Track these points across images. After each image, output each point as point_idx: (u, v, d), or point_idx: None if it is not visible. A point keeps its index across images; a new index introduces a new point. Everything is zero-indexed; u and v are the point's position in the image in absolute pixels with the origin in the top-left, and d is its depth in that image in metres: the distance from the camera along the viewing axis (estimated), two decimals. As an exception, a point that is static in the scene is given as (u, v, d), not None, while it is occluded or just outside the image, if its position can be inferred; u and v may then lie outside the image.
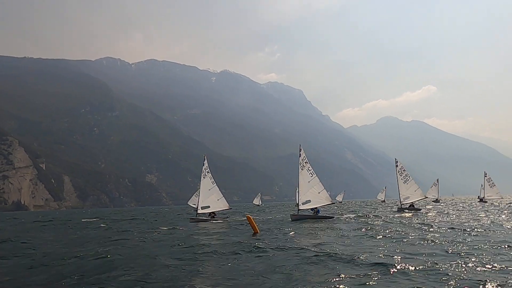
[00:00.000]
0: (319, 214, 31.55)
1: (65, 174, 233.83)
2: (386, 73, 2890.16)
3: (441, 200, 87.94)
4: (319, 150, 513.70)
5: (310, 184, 31.25)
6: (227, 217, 37.39)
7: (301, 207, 31.23)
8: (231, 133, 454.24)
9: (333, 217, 30.85)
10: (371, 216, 33.02)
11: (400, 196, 41.54)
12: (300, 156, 32.39)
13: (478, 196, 70.14)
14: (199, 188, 36.04)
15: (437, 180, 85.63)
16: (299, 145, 33.56)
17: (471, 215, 31.06)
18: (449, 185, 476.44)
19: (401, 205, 41.72)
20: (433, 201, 78.62)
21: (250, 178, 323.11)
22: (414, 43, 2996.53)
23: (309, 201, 30.98)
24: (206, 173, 35.71)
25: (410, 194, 41.30)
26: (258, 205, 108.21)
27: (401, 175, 41.99)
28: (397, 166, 42.63)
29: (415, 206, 41.96)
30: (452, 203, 72.11)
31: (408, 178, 41.77)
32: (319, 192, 31.00)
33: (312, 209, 31.46)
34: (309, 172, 31.60)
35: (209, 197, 34.71)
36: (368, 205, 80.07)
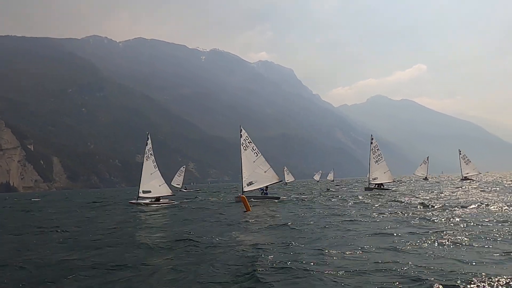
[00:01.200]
0: (267, 195, 30.29)
1: (54, 155, 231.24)
2: (377, 52, 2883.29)
3: (429, 178, 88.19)
4: (309, 130, 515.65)
5: (255, 164, 29.75)
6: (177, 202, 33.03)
7: (245, 188, 29.31)
8: (221, 113, 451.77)
9: (279, 198, 30.03)
10: (329, 195, 33.46)
11: (370, 175, 40.48)
12: (241, 136, 30.59)
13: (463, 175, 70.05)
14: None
15: (427, 158, 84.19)
16: (239, 125, 31.61)
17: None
18: (439, 163, 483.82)
19: (369, 184, 40.69)
20: (423, 179, 79.00)
21: (240, 158, 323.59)
22: (406, 22, 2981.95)
23: (256, 181, 29.42)
24: (150, 155, 33.07)
25: (379, 175, 40.09)
26: None
27: (374, 154, 40.46)
28: (371, 143, 40.92)
29: (384, 185, 40.54)
30: (433, 182, 72.41)
31: (380, 158, 40.30)
32: (265, 171, 29.58)
33: (261, 189, 30.09)
34: (254, 151, 30.11)
35: (151, 182, 32.16)
36: (351, 183, 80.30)
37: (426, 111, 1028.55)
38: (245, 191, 29.16)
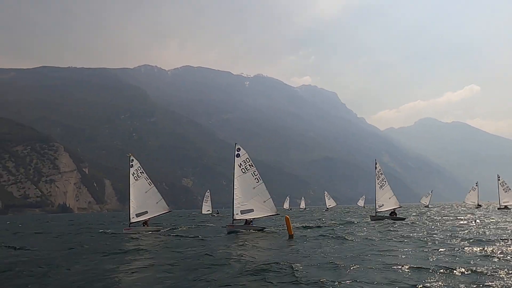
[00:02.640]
0: (252, 225, 26.98)
1: (106, 178, 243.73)
2: (425, 73, 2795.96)
3: (483, 205, 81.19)
4: (355, 154, 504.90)
5: (255, 191, 26.53)
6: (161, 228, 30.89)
7: (239, 216, 26.23)
8: (264, 137, 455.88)
9: (265, 228, 27.15)
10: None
11: (376, 202, 37.53)
12: (239, 156, 26.93)
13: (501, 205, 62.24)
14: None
15: (476, 183, 77.23)
16: (235, 144, 27.83)
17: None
18: (496, 189, 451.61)
19: (376, 213, 37.21)
20: (475, 207, 71.95)
21: (284, 182, 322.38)
22: (456, 41, 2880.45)
23: (252, 210, 26.28)
24: (140, 173, 30.83)
25: (384, 201, 37.08)
26: (288, 210, 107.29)
27: (378, 179, 37.53)
28: (375, 168, 37.86)
29: (397, 214, 37.29)
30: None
31: (384, 183, 37.57)
32: (264, 201, 26.48)
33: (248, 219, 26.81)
34: (255, 177, 26.71)
35: (147, 201, 29.98)
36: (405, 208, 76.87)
37: (480, 133, 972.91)
38: (236, 220, 26.38)
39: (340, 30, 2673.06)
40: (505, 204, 62.19)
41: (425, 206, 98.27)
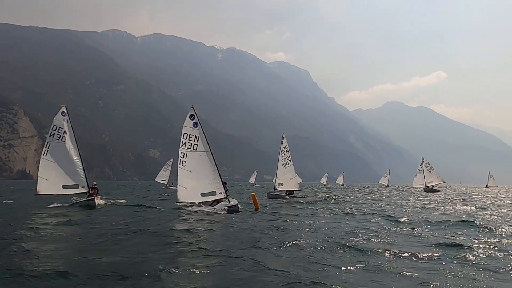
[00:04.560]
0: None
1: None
2: (396, 57, 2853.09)
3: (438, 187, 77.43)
4: (322, 133, 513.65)
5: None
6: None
7: (218, 196, 21.34)
8: (234, 112, 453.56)
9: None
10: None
11: (277, 179, 34.51)
12: (197, 123, 22.73)
13: (427, 186, 61.64)
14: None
15: (421, 165, 69.19)
16: (192, 108, 23.51)
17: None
18: (453, 173, 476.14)
19: (274, 190, 34.59)
20: (424, 190, 64.30)
21: (252, 158, 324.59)
22: (427, 28, 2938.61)
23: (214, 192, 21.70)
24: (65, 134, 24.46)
25: (285, 181, 34.10)
26: (253, 184, 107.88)
27: (282, 156, 34.29)
28: (282, 143, 34.78)
29: (293, 193, 34.89)
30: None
31: (288, 162, 34.23)
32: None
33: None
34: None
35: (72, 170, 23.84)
36: (358, 189, 79.17)
37: (442, 119, 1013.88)
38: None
39: (316, 9, 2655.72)
40: (431, 184, 62.42)
41: (386, 186, 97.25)
